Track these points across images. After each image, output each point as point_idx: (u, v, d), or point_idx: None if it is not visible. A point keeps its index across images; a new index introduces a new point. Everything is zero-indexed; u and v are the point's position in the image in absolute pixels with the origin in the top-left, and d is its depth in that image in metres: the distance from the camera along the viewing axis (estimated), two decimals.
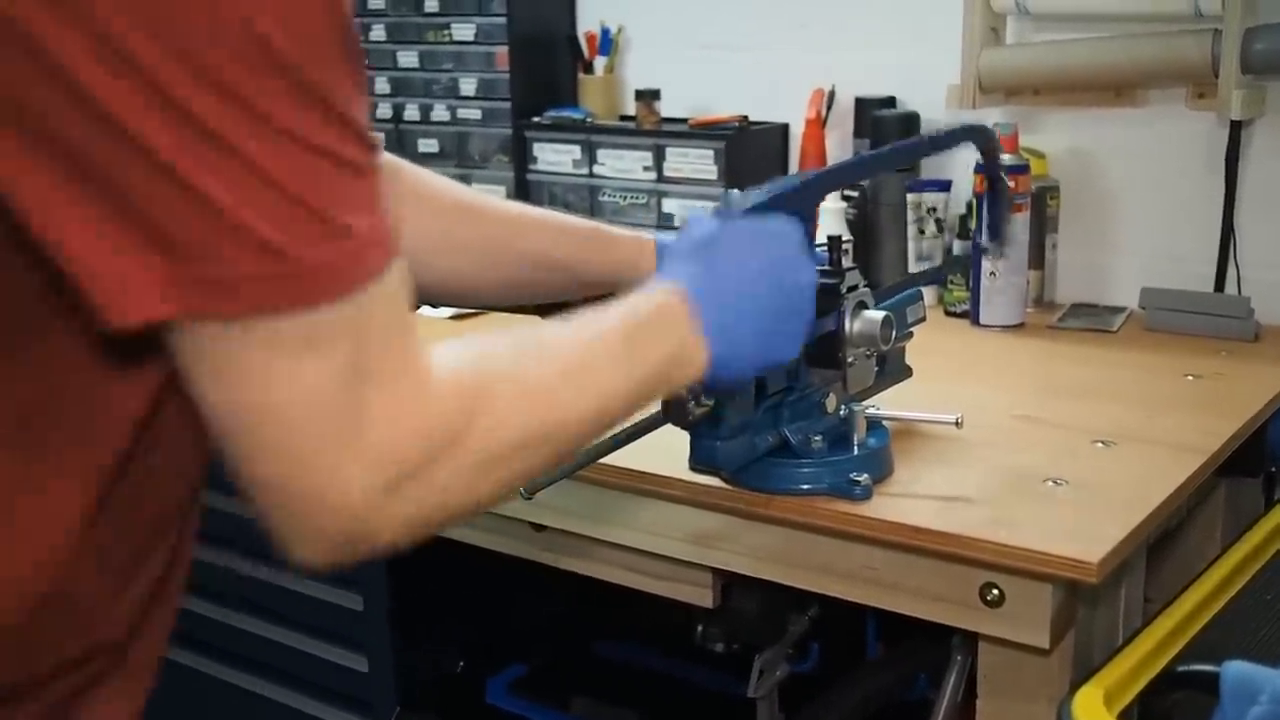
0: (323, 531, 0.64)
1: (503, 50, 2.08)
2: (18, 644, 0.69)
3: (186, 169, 0.57)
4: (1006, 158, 1.64)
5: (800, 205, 0.97)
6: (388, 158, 1.02)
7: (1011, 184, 1.63)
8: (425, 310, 1.45)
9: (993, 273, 1.65)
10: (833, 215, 1.73)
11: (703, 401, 1.00)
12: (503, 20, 2.07)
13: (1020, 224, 1.65)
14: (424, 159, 2.17)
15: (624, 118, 2.12)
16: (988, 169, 1.20)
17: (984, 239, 1.28)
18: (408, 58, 2.17)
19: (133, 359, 0.66)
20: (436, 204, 1.04)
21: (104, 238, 0.58)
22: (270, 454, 0.62)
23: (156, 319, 0.59)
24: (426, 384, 0.65)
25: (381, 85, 2.20)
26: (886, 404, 1.18)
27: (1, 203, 0.58)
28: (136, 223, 0.58)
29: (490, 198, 1.09)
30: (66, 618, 0.70)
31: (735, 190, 1.01)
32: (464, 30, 2.10)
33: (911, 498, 1.11)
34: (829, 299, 1.07)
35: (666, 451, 1.10)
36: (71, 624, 0.71)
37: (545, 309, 1.12)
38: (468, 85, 2.12)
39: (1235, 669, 0.87)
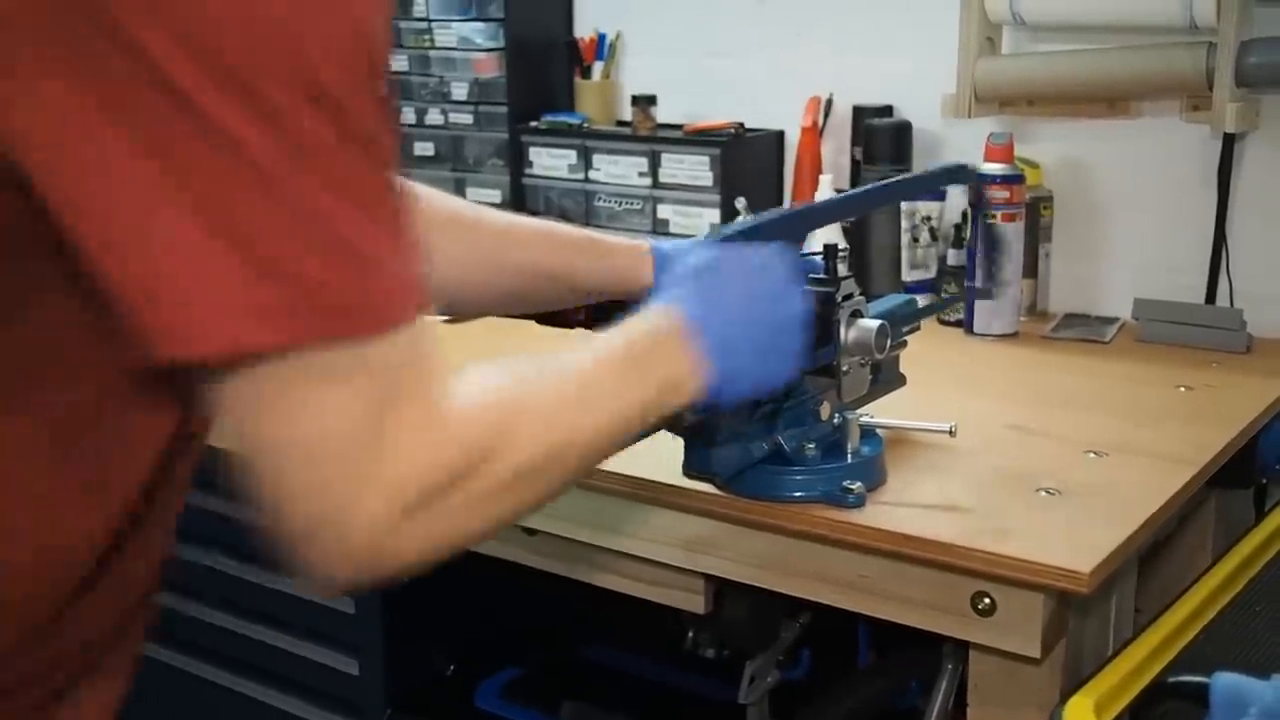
0: (345, 557, 0.66)
1: (499, 54, 2.08)
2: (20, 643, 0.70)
3: (279, 191, 0.59)
4: (998, 167, 1.65)
5: (790, 235, 1.01)
6: None
7: (1005, 194, 1.64)
8: None
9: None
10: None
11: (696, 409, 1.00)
12: (499, 25, 2.07)
13: (1014, 233, 1.65)
14: (420, 162, 2.17)
15: (620, 123, 2.12)
16: (973, 210, 1.25)
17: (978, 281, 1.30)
18: (402, 61, 2.17)
19: (165, 387, 0.69)
20: (430, 217, 1.04)
21: (186, 257, 0.58)
22: (293, 485, 0.64)
23: (219, 351, 0.60)
24: (446, 419, 0.67)
25: None
26: (880, 412, 1.18)
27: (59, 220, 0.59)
28: (227, 241, 0.59)
29: (485, 209, 1.09)
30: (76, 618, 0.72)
31: (740, 208, 1.06)
32: (460, 34, 2.10)
33: (904, 506, 1.11)
34: (824, 308, 1.07)
35: (660, 457, 1.10)
36: (72, 625, 0.72)
37: (543, 318, 1.12)
38: (463, 89, 2.12)
39: (1225, 680, 0.88)
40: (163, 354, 0.59)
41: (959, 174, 1.30)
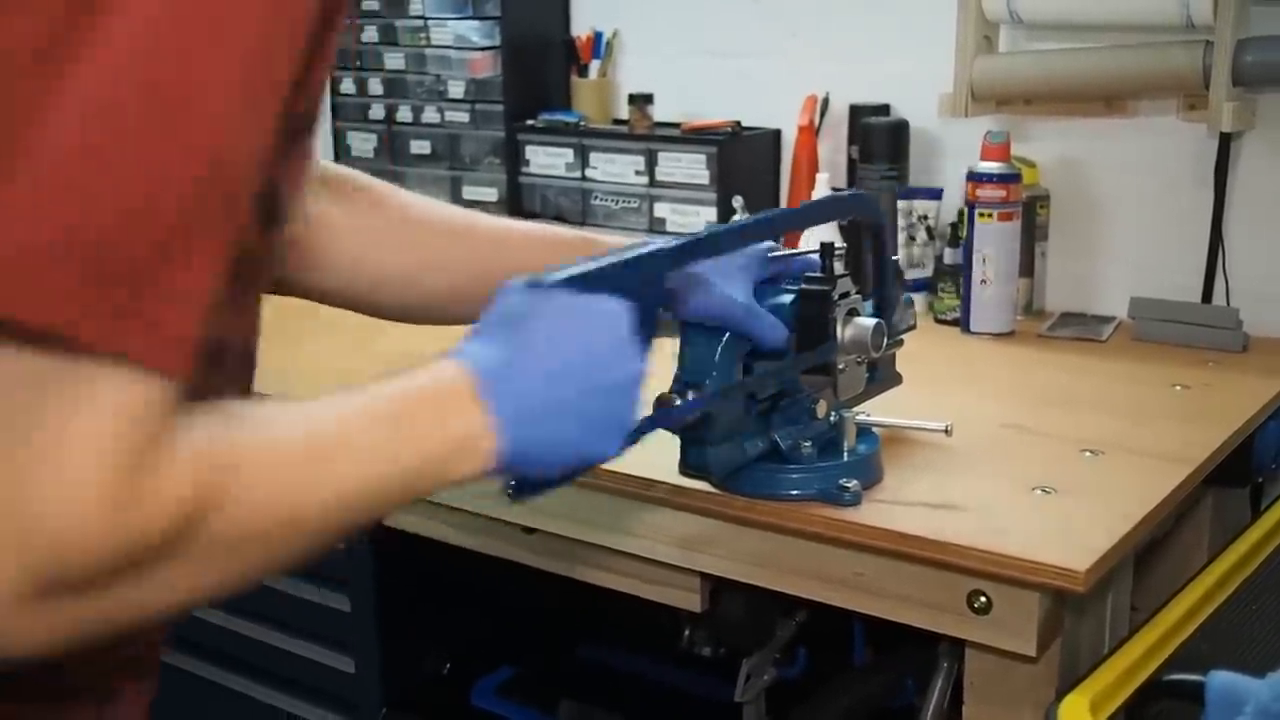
0: None
1: (496, 53, 2.08)
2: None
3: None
4: (995, 166, 1.65)
5: (639, 281, 0.84)
6: (377, 183, 1.04)
7: (1002, 193, 1.64)
8: None
9: (983, 280, 1.65)
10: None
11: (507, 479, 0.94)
12: (496, 23, 2.07)
13: (1010, 232, 1.65)
14: (416, 160, 2.18)
15: (617, 121, 2.12)
16: (873, 244, 1.12)
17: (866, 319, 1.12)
18: (399, 59, 2.17)
19: None
20: (426, 226, 1.04)
21: None
22: None
23: None
24: (142, 480, 0.54)
25: (374, 86, 2.20)
26: (876, 411, 1.18)
27: None
28: None
29: (478, 215, 1.09)
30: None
31: (736, 206, 0.96)
32: (457, 32, 2.10)
33: (900, 504, 1.11)
34: (820, 306, 1.07)
35: (657, 456, 1.10)
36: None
37: None
38: (460, 87, 2.12)
39: (1220, 679, 0.88)
40: None
41: (861, 203, 1.21)
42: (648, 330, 0.82)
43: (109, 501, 0.53)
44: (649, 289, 0.86)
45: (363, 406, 0.67)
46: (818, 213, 1.27)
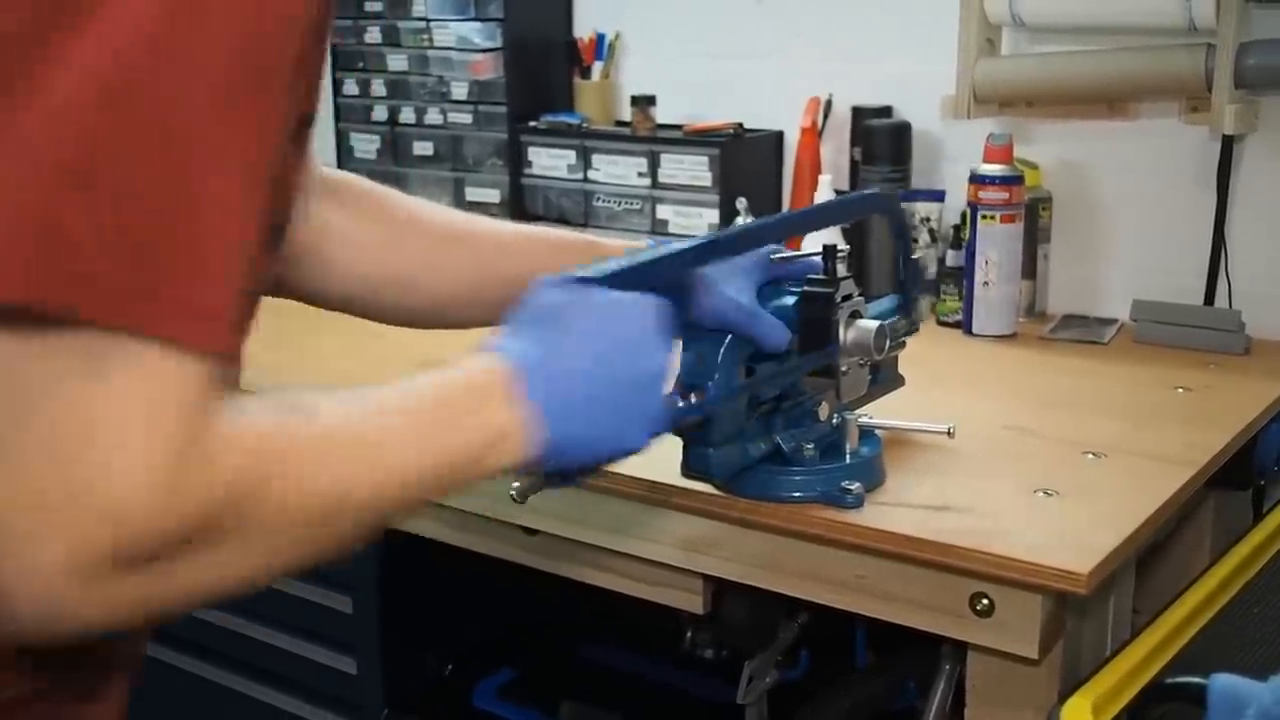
0: (16, 598, 0.54)
1: (499, 54, 2.08)
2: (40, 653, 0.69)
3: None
4: (997, 168, 1.65)
5: (663, 280, 0.88)
6: (377, 188, 1.04)
7: (1004, 195, 1.64)
8: None
9: (986, 282, 1.65)
10: None
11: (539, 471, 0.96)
12: (499, 24, 2.07)
13: (1012, 234, 1.65)
14: (419, 162, 2.18)
15: (619, 123, 2.12)
16: (896, 240, 1.16)
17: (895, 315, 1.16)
18: (402, 61, 2.17)
19: None
20: (426, 230, 1.04)
21: None
22: None
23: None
24: (199, 463, 0.56)
25: (377, 88, 2.21)
26: (879, 413, 1.18)
27: None
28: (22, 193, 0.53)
29: (480, 219, 1.09)
30: None
31: (740, 208, 0.97)
32: (460, 34, 2.10)
33: (903, 507, 1.11)
34: (823, 308, 1.07)
35: (659, 458, 1.10)
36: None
37: None
38: (463, 89, 2.12)
39: (1222, 682, 0.88)
40: None
41: (875, 201, 1.24)
42: (675, 325, 0.85)
43: (159, 477, 0.54)
44: (676, 283, 0.89)
45: (406, 399, 0.69)
46: (840, 211, 1.28)
